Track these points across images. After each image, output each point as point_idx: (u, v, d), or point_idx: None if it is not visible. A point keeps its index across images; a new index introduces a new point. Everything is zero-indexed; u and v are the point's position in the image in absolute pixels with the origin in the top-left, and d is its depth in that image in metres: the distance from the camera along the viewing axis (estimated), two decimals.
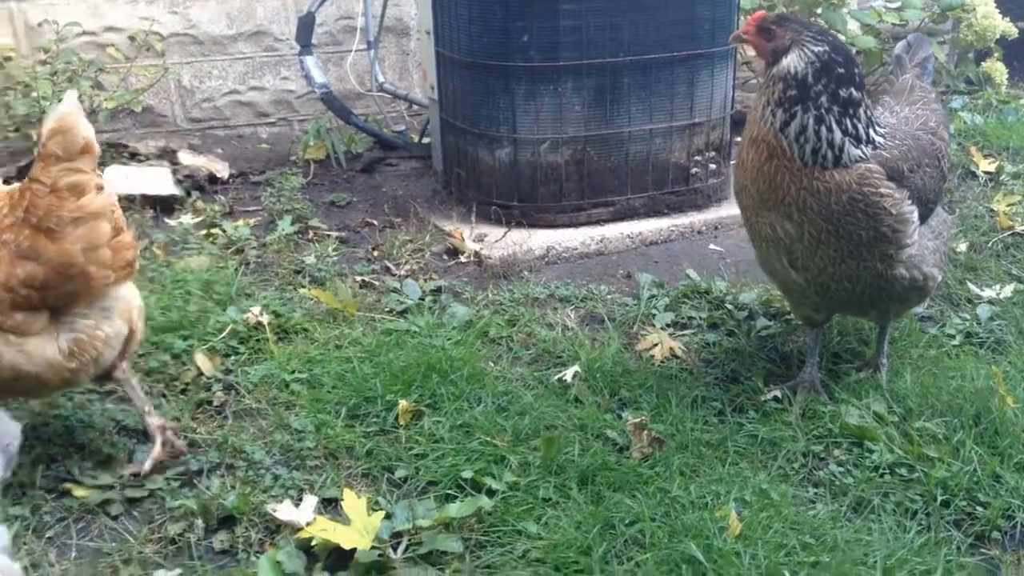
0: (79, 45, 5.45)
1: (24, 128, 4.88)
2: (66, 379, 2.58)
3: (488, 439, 2.79)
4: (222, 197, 4.88)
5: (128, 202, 4.55)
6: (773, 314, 3.61)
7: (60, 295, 2.47)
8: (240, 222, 4.52)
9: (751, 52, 3.25)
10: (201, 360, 3.23)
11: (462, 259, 4.23)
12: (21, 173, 4.60)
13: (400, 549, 2.41)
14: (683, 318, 3.61)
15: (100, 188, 2.44)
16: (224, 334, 3.38)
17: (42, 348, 2.49)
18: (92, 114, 5.20)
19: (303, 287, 3.87)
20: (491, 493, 2.57)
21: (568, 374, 3.16)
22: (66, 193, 2.38)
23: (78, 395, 3.02)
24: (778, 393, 3.03)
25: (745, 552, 2.30)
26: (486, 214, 4.50)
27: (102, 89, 5.23)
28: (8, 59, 5.07)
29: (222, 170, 5.22)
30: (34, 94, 4.83)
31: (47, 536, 2.48)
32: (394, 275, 4.05)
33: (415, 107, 6.20)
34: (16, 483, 2.63)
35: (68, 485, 2.64)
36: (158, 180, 4.75)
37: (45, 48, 5.19)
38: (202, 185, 5.02)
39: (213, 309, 3.54)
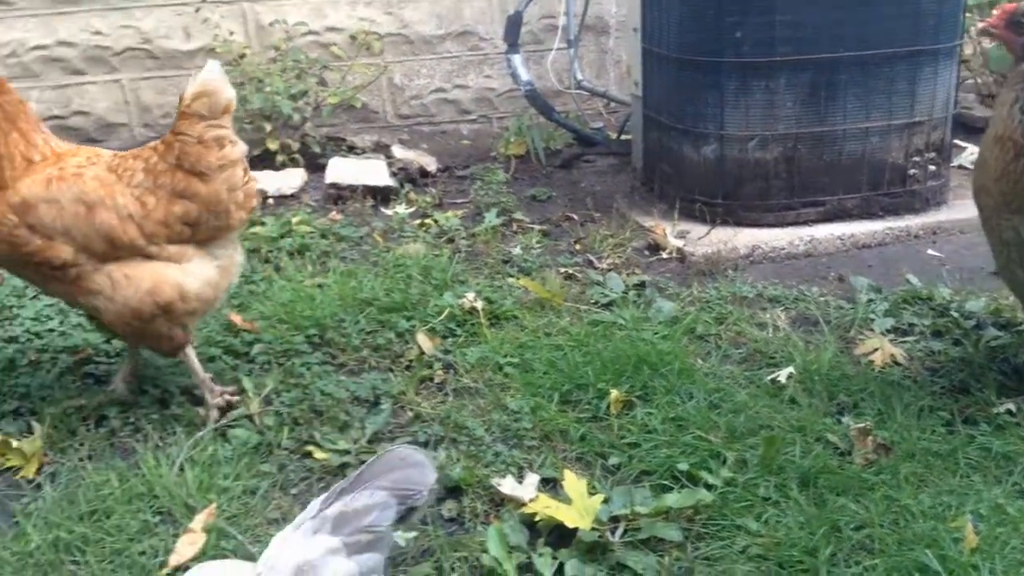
0: (304, 44, 5.84)
1: (257, 121, 5.29)
2: (212, 303, 2.96)
3: (702, 434, 2.80)
4: (432, 189, 5.11)
5: (351, 192, 4.86)
6: (1003, 324, 3.41)
7: (207, 230, 2.86)
8: (449, 213, 4.73)
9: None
10: (422, 340, 3.42)
11: (664, 255, 4.25)
12: (252, 163, 4.99)
13: (618, 533, 2.47)
14: (904, 324, 3.47)
15: (234, 142, 2.84)
16: (442, 317, 3.56)
17: (202, 268, 2.90)
18: (316, 109, 5.58)
19: (511, 276, 4.00)
20: (708, 487, 2.58)
21: (782, 375, 3.12)
22: (212, 144, 2.79)
23: (315, 366, 3.26)
24: (1012, 406, 2.87)
25: (983, 565, 2.20)
26: (688, 211, 4.49)
27: (325, 86, 5.59)
28: (243, 56, 5.51)
29: (431, 164, 5.46)
30: (267, 89, 5.23)
31: (292, 493, 2.70)
32: (596, 268, 4.12)
33: (612, 104, 6.25)
34: (264, 443, 2.88)
35: (309, 448, 2.86)
36: (376, 172, 5.03)
37: (276, 46, 5.60)
38: (414, 178, 5.27)
39: (431, 293, 3.73)
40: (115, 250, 2.80)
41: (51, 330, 3.46)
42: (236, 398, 3.04)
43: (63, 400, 3.02)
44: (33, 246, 2.75)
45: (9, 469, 2.78)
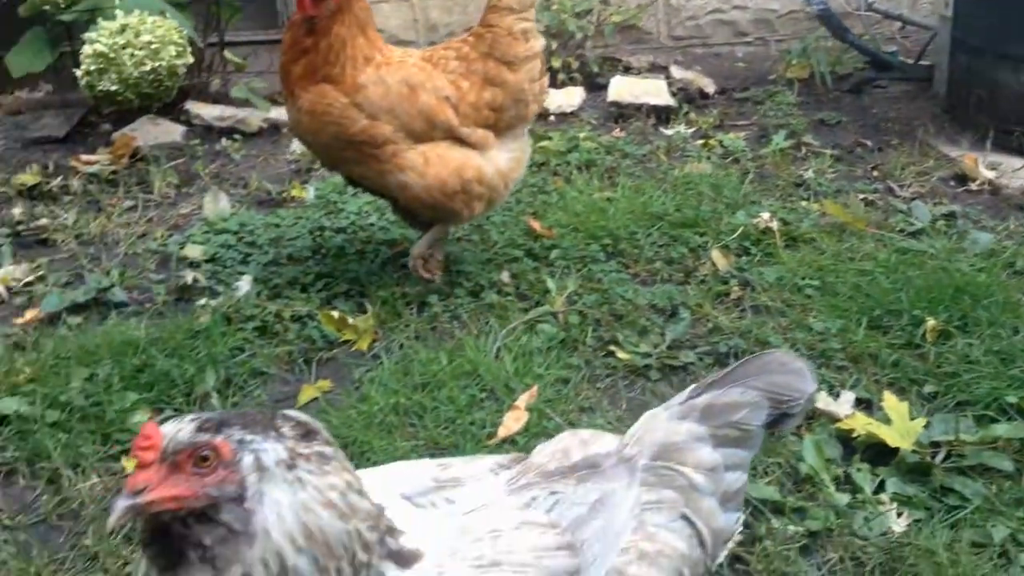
0: None
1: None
2: (500, 193, 3.18)
3: None
4: (712, 110, 5.04)
5: (632, 110, 4.89)
6: None
7: (508, 118, 3.10)
8: (731, 135, 4.65)
9: None
10: (716, 256, 3.42)
11: (972, 187, 3.97)
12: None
13: (939, 457, 2.40)
14: None
15: (537, 36, 3.07)
16: (736, 235, 3.54)
17: (497, 157, 3.14)
18: (598, 27, 5.62)
19: (804, 200, 3.90)
20: None
21: None
22: (519, 36, 3.04)
23: (611, 273, 3.36)
24: None
25: None
26: (1003, 142, 4.16)
27: (607, 4, 5.60)
28: None
29: (708, 86, 5.37)
30: (554, 7, 5.32)
31: (599, 386, 2.83)
32: (898, 196, 3.93)
33: (905, 28, 5.84)
34: (569, 339, 3.02)
35: (612, 348, 2.97)
36: (657, 92, 5.02)
37: None
38: (692, 98, 5.21)
39: (723, 211, 3.71)
40: (431, 130, 3.07)
41: (372, 224, 3.77)
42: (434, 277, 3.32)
43: (390, 285, 3.30)
44: (359, 125, 3.02)
45: (346, 342, 3.09)
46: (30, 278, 3.48)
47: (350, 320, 3.11)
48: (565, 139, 4.53)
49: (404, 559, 1.33)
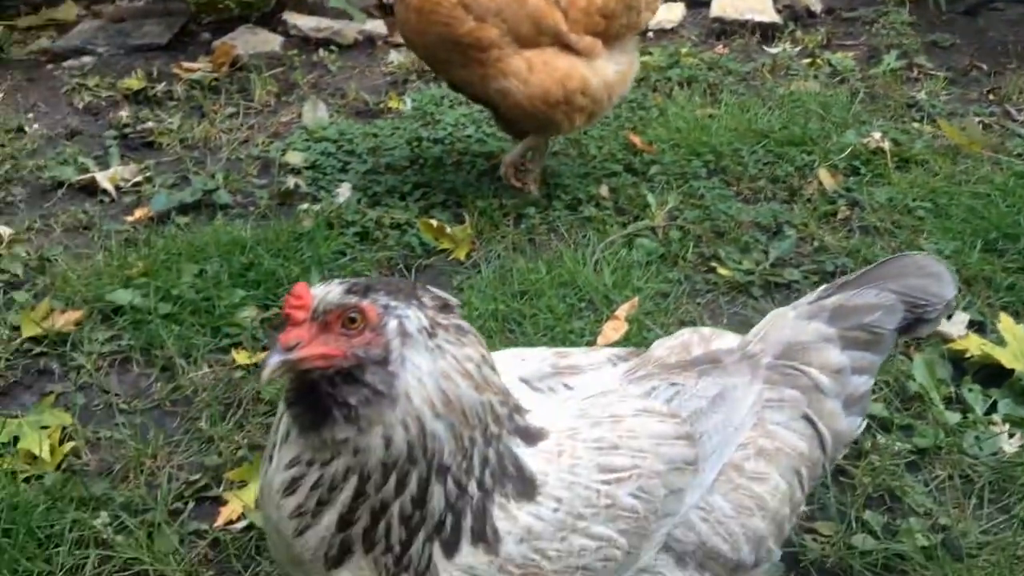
0: None
1: None
2: (603, 106, 3.11)
3: None
4: (819, 29, 4.83)
5: (735, 27, 4.73)
6: None
7: (618, 26, 3.02)
8: (839, 54, 4.47)
9: None
10: (824, 175, 3.32)
11: None
12: None
13: None
14: None
15: None
16: (844, 155, 3.42)
17: (604, 68, 3.06)
18: None
19: (917, 121, 3.75)
20: None
21: None
22: None
23: (713, 190, 3.29)
24: None
25: None
26: None
27: None
28: None
29: (815, 4, 5.14)
30: None
31: (699, 302, 2.80)
32: (1015, 120, 3.75)
33: None
34: (669, 254, 2.99)
35: (713, 264, 2.93)
36: (762, 8, 4.84)
37: None
38: (798, 16, 5.00)
39: (831, 130, 3.59)
40: (538, 35, 3.00)
41: (469, 136, 3.76)
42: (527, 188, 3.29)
43: (488, 196, 3.30)
44: (466, 26, 2.96)
45: (444, 251, 3.11)
46: (138, 178, 3.58)
47: (448, 229, 3.12)
48: (666, 55, 4.42)
49: (531, 436, 1.35)
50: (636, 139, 3.60)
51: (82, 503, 2.20)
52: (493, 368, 1.32)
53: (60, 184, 3.54)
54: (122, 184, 3.56)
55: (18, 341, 2.73)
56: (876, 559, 1.97)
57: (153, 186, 3.52)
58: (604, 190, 3.31)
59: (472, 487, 1.27)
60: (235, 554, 2.08)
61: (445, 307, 1.31)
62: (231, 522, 2.16)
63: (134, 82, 4.29)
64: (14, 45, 4.74)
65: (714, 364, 1.53)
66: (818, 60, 4.38)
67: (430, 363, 1.24)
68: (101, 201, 3.47)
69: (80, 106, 4.16)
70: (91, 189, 3.52)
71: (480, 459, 1.28)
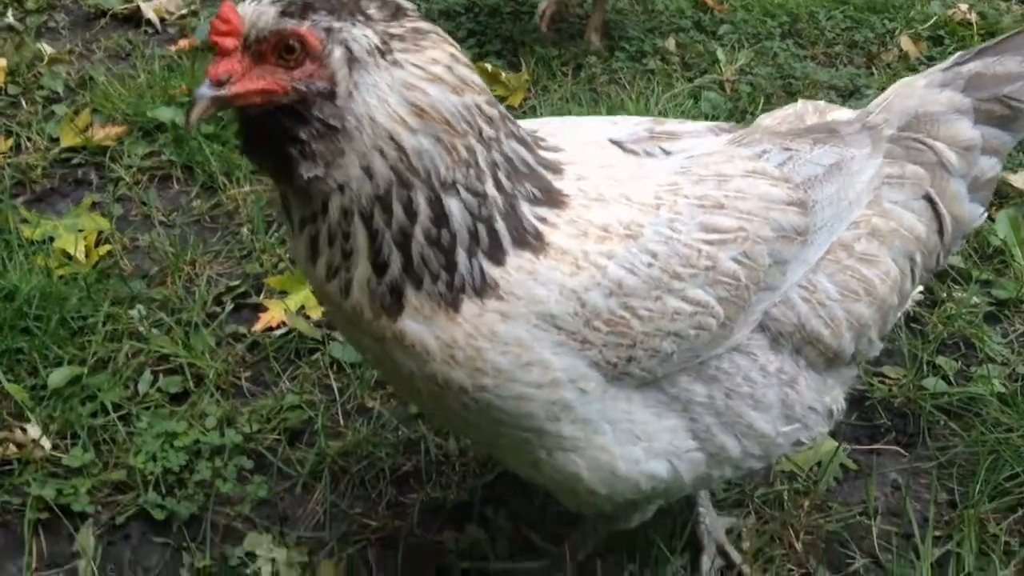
0: None
1: None
2: None
3: None
4: None
5: None
6: None
7: None
8: None
9: None
10: (906, 43, 3.12)
11: None
12: None
13: None
14: None
15: None
16: (929, 24, 3.21)
17: None
18: None
19: (1005, 0, 3.50)
20: None
21: None
22: None
23: (788, 51, 3.09)
24: None
25: None
26: None
27: None
28: None
29: None
30: None
31: None
32: None
33: None
34: (736, 110, 2.82)
35: None
36: None
37: None
38: None
39: (915, 1, 3.36)
40: None
41: None
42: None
43: (545, 45, 3.13)
44: None
45: (497, 98, 2.95)
46: (183, 11, 3.44)
47: (503, 75, 2.97)
48: None
49: (552, 167, 1.20)
50: None
51: (117, 301, 2.14)
52: (469, 66, 1.14)
53: (103, 13, 3.41)
54: (167, 16, 3.42)
55: (56, 150, 2.65)
56: (949, 402, 1.85)
57: (198, 20, 3.39)
58: (671, 43, 3.13)
59: (491, 190, 1.13)
60: (273, 355, 2.01)
61: (397, 12, 1.12)
62: (270, 329, 2.08)
63: None
64: None
65: (831, 134, 1.36)
66: None
67: (388, 79, 1.08)
68: (145, 32, 3.35)
69: None
70: (135, 20, 3.39)
71: (488, 164, 1.13)
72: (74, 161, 2.63)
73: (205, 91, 1.08)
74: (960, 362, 1.95)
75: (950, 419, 1.84)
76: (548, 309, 1.15)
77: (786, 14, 3.29)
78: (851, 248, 1.32)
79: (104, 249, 2.31)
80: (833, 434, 1.78)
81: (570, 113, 2.77)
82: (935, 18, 3.23)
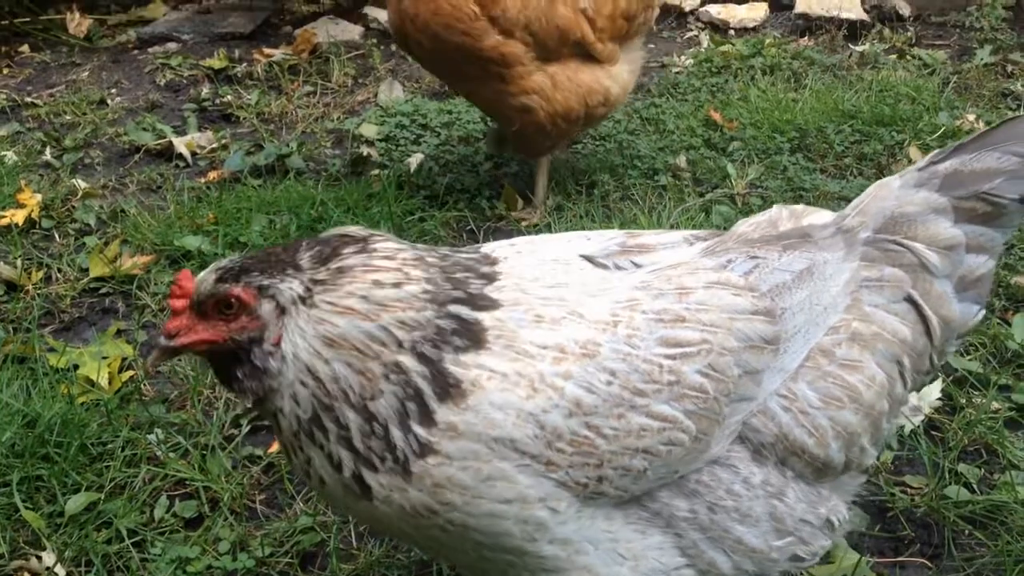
0: None
1: None
2: (614, 108, 2.96)
3: None
4: (908, 29, 4.68)
5: (820, 23, 4.61)
6: None
7: (635, 26, 2.87)
8: (929, 51, 4.31)
9: None
10: (914, 153, 3.17)
11: None
12: None
13: None
14: None
15: None
16: (937, 135, 3.27)
17: (621, 72, 2.90)
18: None
19: (1012, 110, 3.57)
20: None
21: None
22: None
23: (796, 165, 3.16)
24: None
25: None
26: None
27: None
28: None
29: (904, 8, 4.98)
30: None
31: None
32: None
33: None
34: None
35: None
36: (850, 5, 4.71)
37: None
38: (886, 17, 4.86)
39: (923, 112, 3.44)
40: (561, 47, 2.76)
41: None
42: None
43: (559, 166, 3.23)
44: (490, 40, 2.70)
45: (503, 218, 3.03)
46: (213, 145, 3.61)
47: (519, 199, 3.06)
48: (748, 44, 4.31)
49: (484, 306, 1.26)
50: (717, 115, 3.50)
51: (136, 426, 2.17)
52: (397, 285, 1.24)
53: (137, 149, 3.60)
54: (198, 151, 3.59)
55: (85, 280, 2.75)
56: (973, 511, 1.80)
57: (228, 153, 3.54)
58: (682, 160, 3.21)
59: (414, 366, 1.22)
60: (288, 477, 2.01)
61: (331, 255, 1.26)
62: None
63: (216, 61, 4.37)
64: (103, 38, 4.87)
65: (803, 239, 1.37)
66: (907, 55, 4.23)
67: (306, 318, 1.24)
68: (176, 165, 3.51)
69: (162, 83, 4.24)
70: (168, 155, 3.57)
71: (411, 355, 1.22)
72: (102, 290, 2.73)
73: (160, 341, 1.32)
74: (983, 469, 1.91)
75: (975, 528, 1.78)
76: (507, 433, 1.19)
77: (795, 130, 3.37)
78: (831, 354, 1.32)
79: (127, 375, 2.36)
80: (856, 547, 1.74)
81: (584, 229, 2.82)
82: (943, 129, 3.29)
